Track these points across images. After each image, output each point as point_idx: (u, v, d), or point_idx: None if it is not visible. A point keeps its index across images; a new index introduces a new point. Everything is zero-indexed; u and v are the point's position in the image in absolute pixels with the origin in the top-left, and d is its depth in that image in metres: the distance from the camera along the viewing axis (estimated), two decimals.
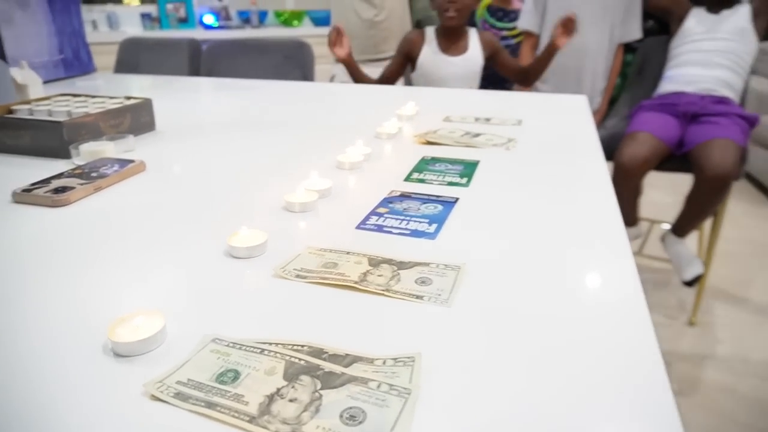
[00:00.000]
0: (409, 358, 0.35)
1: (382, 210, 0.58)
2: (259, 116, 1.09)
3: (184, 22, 4.01)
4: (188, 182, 0.70)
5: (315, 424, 0.29)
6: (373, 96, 1.34)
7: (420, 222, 0.55)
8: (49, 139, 0.77)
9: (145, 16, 3.92)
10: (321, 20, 4.12)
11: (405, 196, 0.62)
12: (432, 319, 0.40)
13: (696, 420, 1.43)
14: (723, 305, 1.97)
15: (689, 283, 1.80)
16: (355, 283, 0.43)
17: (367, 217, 0.57)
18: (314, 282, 0.44)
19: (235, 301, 0.42)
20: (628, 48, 2.03)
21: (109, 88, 1.47)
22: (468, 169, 0.72)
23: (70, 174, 0.67)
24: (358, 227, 0.55)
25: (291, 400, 0.31)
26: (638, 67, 2.09)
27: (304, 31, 3.98)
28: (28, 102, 0.92)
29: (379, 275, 0.45)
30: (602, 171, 0.70)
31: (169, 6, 3.99)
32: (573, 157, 0.79)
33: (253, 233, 0.50)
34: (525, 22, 2.00)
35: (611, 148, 1.84)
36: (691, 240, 1.94)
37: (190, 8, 4.03)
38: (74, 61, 1.68)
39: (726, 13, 1.83)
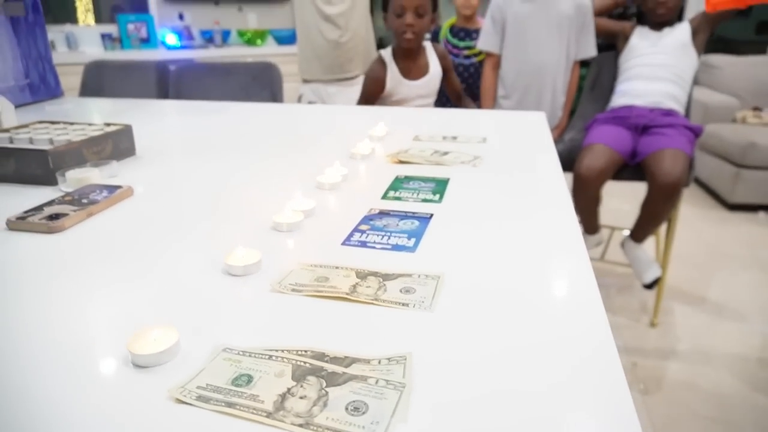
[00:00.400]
0: (401, 357, 0.40)
1: (364, 227, 0.63)
2: (234, 139, 1.13)
3: (146, 42, 3.99)
4: (175, 205, 0.74)
5: (325, 416, 0.34)
6: (344, 117, 1.40)
7: (400, 237, 0.60)
8: (34, 166, 0.79)
9: (106, 37, 3.89)
10: (284, 39, 4.18)
11: (384, 214, 0.68)
12: (418, 323, 0.45)
13: (660, 414, 1.51)
14: (681, 305, 2.09)
15: (649, 286, 1.90)
16: (347, 294, 0.48)
17: (351, 234, 0.61)
18: (309, 295, 0.49)
19: (238, 315, 0.46)
20: (582, 63, 2.15)
21: (81, 112, 1.48)
22: (439, 186, 0.77)
23: (61, 201, 0.70)
24: (343, 243, 0.59)
25: (301, 397, 0.36)
26: (591, 82, 2.22)
27: (268, 50, 4.02)
28: (6, 130, 0.94)
29: (367, 286, 0.50)
30: (560, 183, 0.77)
31: (131, 26, 3.97)
32: (534, 172, 0.85)
33: (248, 252, 0.54)
34: (484, 43, 2.10)
35: (570, 160, 1.94)
36: (649, 244, 2.06)
37: (152, 28, 4.02)
38: (41, 85, 1.68)
39: (667, 31, 1.97)
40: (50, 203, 0.69)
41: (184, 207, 0.73)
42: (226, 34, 4.19)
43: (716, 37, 3.87)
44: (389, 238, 0.60)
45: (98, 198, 0.71)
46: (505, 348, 0.41)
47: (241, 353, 0.40)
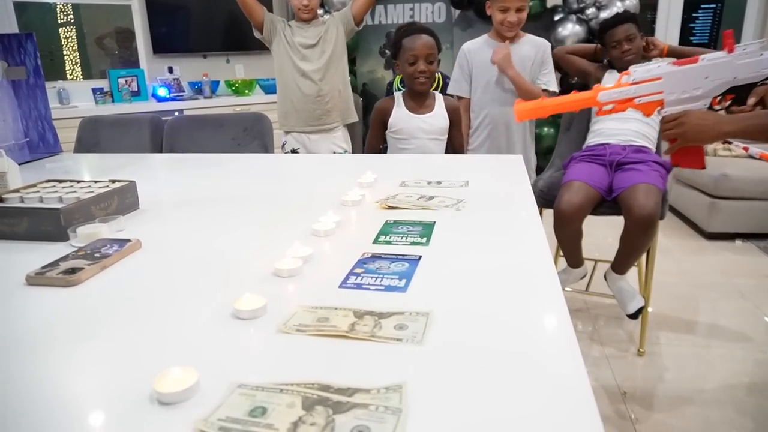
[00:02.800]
0: (397, 386, 0.45)
1: (358, 270, 0.69)
2: (231, 191, 1.19)
3: (137, 95, 4.10)
4: (182, 257, 0.79)
5: None
6: (333, 166, 1.47)
7: (391, 278, 0.66)
8: (47, 224, 0.85)
9: (97, 91, 3.98)
10: (271, 88, 4.31)
11: (376, 257, 0.74)
12: (410, 356, 0.50)
13: None
14: (667, 334, 2.14)
15: (633, 316, 1.96)
16: (346, 332, 0.54)
17: (347, 277, 0.67)
18: (312, 334, 0.54)
19: (249, 354, 0.52)
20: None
21: (80, 169, 1.54)
22: (426, 229, 0.84)
23: (75, 256, 0.75)
24: (340, 286, 0.65)
25: (311, 424, 0.41)
26: (567, 123, 2.34)
27: (256, 99, 4.15)
28: (16, 190, 1.00)
29: (364, 325, 0.55)
30: (536, 222, 0.84)
31: (121, 80, 4.08)
32: (511, 213, 0.93)
33: (254, 297, 0.59)
34: (455, 88, 2.24)
35: (550, 197, 2.03)
36: (632, 275, 2.12)
37: (143, 81, 4.14)
38: (40, 143, 1.74)
39: None
40: (65, 258, 0.75)
41: (189, 258, 0.79)
42: (215, 85, 4.32)
43: None
44: (382, 280, 0.66)
45: (110, 252, 0.76)
46: (486, 378, 0.47)
47: (254, 388, 0.46)
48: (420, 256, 0.73)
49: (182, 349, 0.53)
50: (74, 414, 0.44)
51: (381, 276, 0.67)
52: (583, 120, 2.28)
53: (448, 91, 2.28)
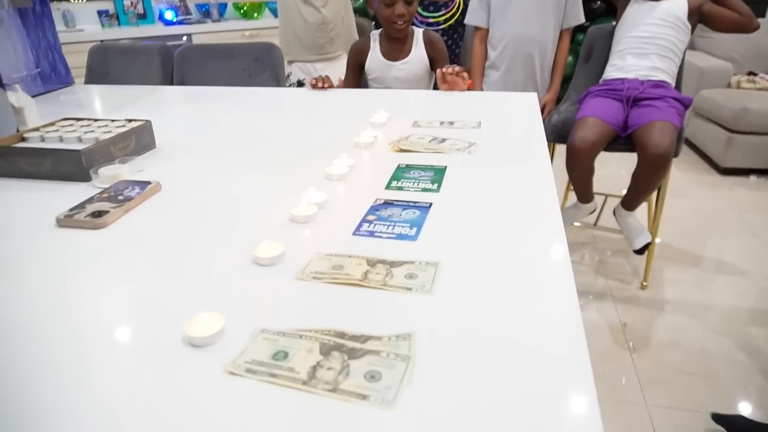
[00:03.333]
0: (407, 334, 0.49)
1: (371, 217, 0.72)
2: (244, 127, 1.20)
3: (143, 18, 3.99)
4: (200, 199, 0.82)
5: (348, 383, 0.43)
6: (345, 101, 1.46)
7: (403, 226, 0.69)
8: (69, 165, 0.87)
9: (103, 13, 3.88)
10: None
11: (388, 203, 0.76)
12: (420, 305, 0.54)
13: (646, 372, 1.63)
14: (671, 269, 2.19)
15: (639, 251, 2.00)
16: (359, 281, 0.57)
17: (360, 224, 0.70)
18: (328, 282, 0.58)
19: (269, 300, 0.55)
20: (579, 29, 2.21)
21: (94, 103, 1.54)
22: (437, 175, 0.86)
23: (100, 198, 0.78)
24: (354, 233, 0.68)
25: (329, 369, 0.45)
26: (586, 53, 2.26)
27: (266, 22, 4.02)
28: (36, 129, 1.01)
29: (376, 273, 0.59)
30: (547, 171, 0.85)
31: (127, 2, 3.96)
32: (524, 160, 0.93)
33: (273, 244, 0.63)
34: (472, 18, 2.17)
35: (564, 132, 2.01)
36: (642, 210, 2.14)
37: (149, 4, 4.01)
38: (51, 74, 1.74)
39: (664, 2, 2.00)
40: (90, 200, 0.78)
41: (208, 200, 0.82)
42: (222, 8, 4.17)
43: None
44: (394, 228, 0.69)
45: (132, 195, 0.79)
46: (489, 328, 0.50)
47: (276, 333, 0.50)
48: (431, 204, 0.75)
49: (207, 295, 0.57)
50: (110, 354, 0.49)
51: (393, 224, 0.70)
52: (602, 51, 2.20)
53: (465, 21, 2.21)
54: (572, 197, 2.17)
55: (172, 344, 0.49)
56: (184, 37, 3.73)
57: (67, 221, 0.73)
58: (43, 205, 0.80)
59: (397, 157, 0.95)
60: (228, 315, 0.52)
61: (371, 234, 0.68)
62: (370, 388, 0.43)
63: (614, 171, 2.62)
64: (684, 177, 3.06)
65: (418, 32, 1.73)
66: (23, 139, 0.98)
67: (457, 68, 1.48)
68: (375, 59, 1.75)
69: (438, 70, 1.51)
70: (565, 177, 2.05)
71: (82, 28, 3.78)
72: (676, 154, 1.86)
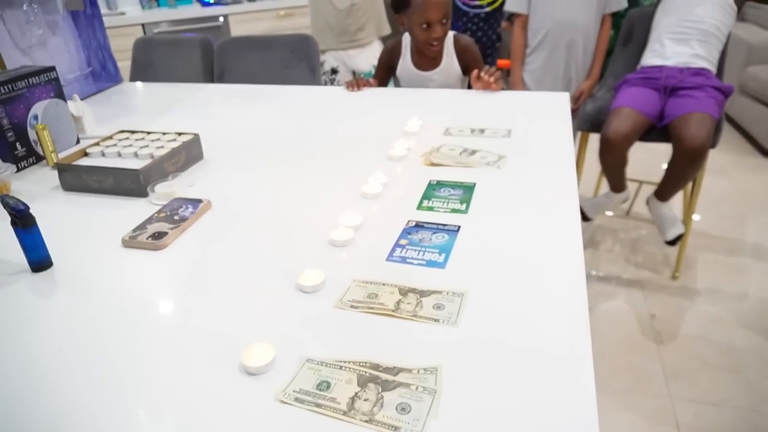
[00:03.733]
0: (434, 368, 0.56)
1: (403, 241, 0.78)
2: (282, 134, 1.28)
3: None
4: (246, 218, 0.90)
5: (382, 414, 0.50)
6: (380, 103, 1.50)
7: (432, 252, 0.75)
8: (129, 182, 0.96)
9: None
10: None
11: (419, 226, 0.82)
12: (446, 337, 0.60)
13: (672, 363, 1.67)
14: (705, 256, 2.18)
15: (671, 243, 2.00)
16: (392, 311, 0.64)
17: (393, 249, 0.77)
18: (364, 311, 0.65)
19: (312, 329, 0.63)
20: (616, 15, 2.17)
21: (141, 104, 1.63)
22: (466, 193, 0.91)
23: (158, 218, 0.87)
24: (387, 259, 0.75)
25: (365, 400, 0.52)
26: (624, 38, 2.22)
27: (300, 1, 4.04)
28: (96, 143, 1.11)
29: (407, 303, 0.65)
30: (572, 194, 0.89)
31: None
32: (550, 180, 0.97)
33: (315, 273, 0.70)
34: (513, 4, 2.15)
35: (598, 121, 2.01)
36: (677, 198, 2.12)
37: None
38: (102, 72, 1.83)
39: None
40: (150, 220, 0.86)
41: (253, 219, 0.89)
42: None
43: None
44: (424, 254, 0.75)
45: (186, 215, 0.87)
46: (510, 361, 0.56)
47: (320, 363, 0.57)
48: (459, 227, 0.81)
49: (257, 321, 0.65)
50: (172, 374, 0.57)
51: (423, 250, 0.76)
52: (642, 35, 2.15)
53: (506, 8, 2.19)
54: (605, 186, 2.17)
55: (229, 371, 0.57)
56: (221, 18, 3.80)
57: (131, 242, 0.81)
58: (108, 222, 0.90)
59: (428, 172, 1.00)
60: (276, 342, 0.59)
61: (403, 260, 0.74)
62: (401, 420, 0.50)
63: (650, 157, 2.58)
64: (725, 158, 2.99)
65: (449, 40, 1.65)
66: (86, 154, 1.08)
67: (492, 72, 1.47)
68: (406, 68, 1.71)
69: (474, 71, 1.52)
70: (598, 166, 2.05)
71: (123, 11, 3.88)
72: (713, 145, 1.84)
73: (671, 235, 1.98)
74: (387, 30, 2.42)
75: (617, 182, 2.06)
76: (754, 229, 2.38)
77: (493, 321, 0.62)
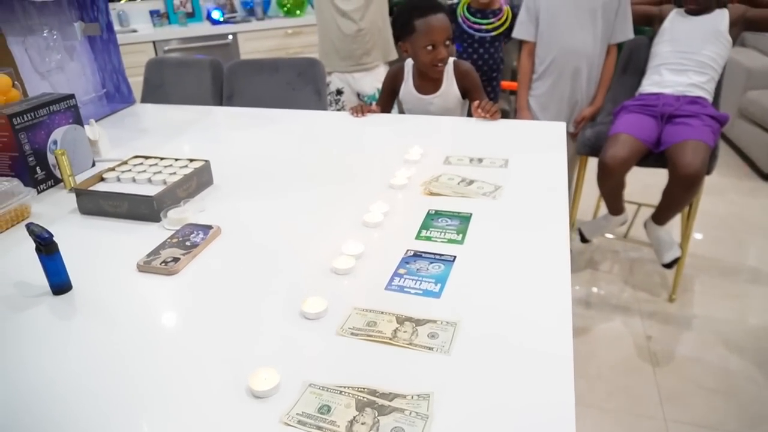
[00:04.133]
0: (426, 394, 0.60)
1: (401, 271, 0.83)
2: (288, 159, 1.33)
3: (192, 16, 4.17)
4: (253, 245, 0.95)
5: None
6: (382, 130, 1.56)
7: (428, 282, 0.80)
8: (143, 207, 1.01)
9: (154, 13, 4.07)
10: None
11: (417, 255, 0.87)
12: (438, 365, 0.65)
13: (667, 385, 1.70)
14: (702, 278, 2.22)
15: (668, 266, 2.04)
16: (389, 339, 0.68)
17: (392, 278, 0.81)
18: (363, 339, 0.69)
19: (314, 354, 0.67)
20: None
21: (153, 126, 1.70)
22: (463, 224, 0.96)
23: (171, 244, 0.92)
24: (386, 288, 0.79)
25: (362, 424, 0.57)
26: (623, 65, 2.28)
27: (308, 19, 4.14)
28: (112, 169, 1.16)
29: (404, 331, 0.70)
30: (562, 228, 0.93)
31: (176, 2, 4.14)
32: (541, 210, 1.01)
33: (318, 300, 0.75)
34: (520, 32, 2.21)
35: (597, 146, 2.06)
36: (674, 221, 2.15)
37: (197, 2, 4.19)
38: (116, 94, 1.90)
39: (704, 17, 1.99)
40: (163, 246, 0.92)
41: (260, 246, 0.94)
42: (266, 4, 4.30)
43: None
44: (421, 283, 0.79)
45: (197, 240, 0.93)
46: (503, 389, 0.61)
47: (321, 388, 0.62)
48: (455, 257, 0.86)
49: (263, 346, 0.69)
50: (182, 396, 0.62)
51: (420, 279, 0.80)
52: (640, 64, 2.21)
53: (514, 35, 2.26)
54: (604, 208, 2.22)
55: (237, 394, 0.62)
56: (230, 36, 3.89)
57: (145, 267, 0.86)
58: (123, 246, 0.95)
59: (427, 201, 1.05)
60: (281, 367, 0.64)
61: (401, 289, 0.79)
62: None
63: (649, 180, 2.62)
64: (724, 181, 3.03)
65: (449, 66, 1.71)
66: (102, 179, 1.13)
67: (489, 109, 1.53)
68: (408, 92, 1.77)
69: (474, 103, 1.58)
70: (597, 189, 2.10)
71: (135, 28, 3.98)
72: (708, 172, 1.89)
73: (668, 258, 2.02)
74: (394, 55, 2.49)
75: (615, 206, 2.11)
76: (752, 252, 2.41)
77: (485, 350, 0.67)
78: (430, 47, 1.61)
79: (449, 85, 1.73)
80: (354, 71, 2.41)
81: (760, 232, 2.55)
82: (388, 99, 1.85)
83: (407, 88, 1.77)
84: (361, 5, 2.28)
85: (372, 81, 2.43)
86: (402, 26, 1.67)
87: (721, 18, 1.98)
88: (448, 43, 1.63)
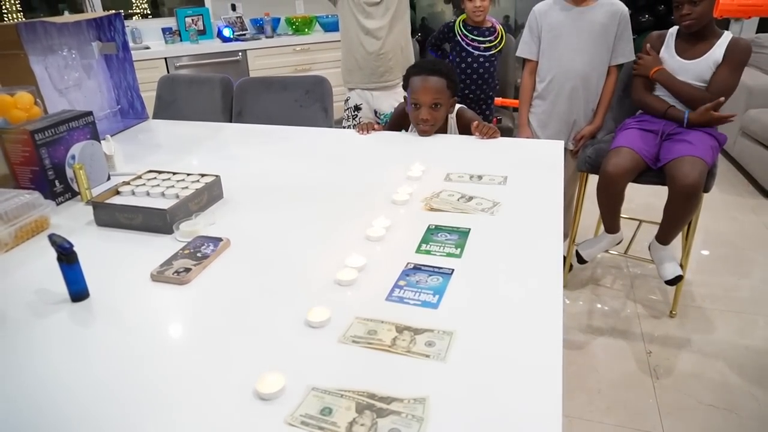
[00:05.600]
0: (422, 398, 0.64)
1: (402, 282, 0.87)
2: (295, 175, 1.38)
3: (203, 34, 4.27)
4: (261, 257, 0.99)
5: None
6: (386, 148, 1.61)
7: (427, 294, 0.84)
8: (157, 220, 1.06)
9: (166, 31, 4.17)
10: (330, 26, 4.37)
11: (417, 268, 0.91)
12: (434, 371, 0.68)
13: (666, 400, 1.72)
14: (702, 294, 2.24)
15: (670, 282, 2.06)
16: (389, 347, 0.72)
17: (393, 290, 0.85)
18: (364, 346, 0.73)
19: (318, 360, 0.71)
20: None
21: (165, 142, 1.76)
22: (461, 238, 1.00)
23: (183, 255, 0.97)
24: (387, 299, 0.84)
25: (361, 425, 0.60)
26: (624, 87, 2.33)
27: (316, 37, 4.23)
28: (127, 183, 1.22)
29: (402, 339, 0.74)
30: (556, 242, 0.98)
31: (188, 20, 4.25)
32: (537, 228, 1.06)
33: (322, 310, 0.79)
34: (523, 51, 2.28)
35: (597, 163, 2.10)
36: (677, 240, 2.17)
37: (208, 20, 4.30)
38: (129, 110, 1.97)
39: (694, 63, 2.00)
40: (175, 257, 0.96)
41: (268, 258, 0.99)
42: (275, 22, 4.40)
43: None
44: (420, 295, 0.84)
45: (208, 252, 0.97)
46: (496, 397, 0.65)
47: (323, 391, 0.66)
48: (453, 270, 0.90)
49: (270, 352, 0.74)
50: (192, 398, 0.66)
51: (419, 291, 0.85)
52: None
53: (517, 54, 2.33)
54: (602, 231, 2.25)
55: (244, 397, 0.66)
56: (240, 53, 3.98)
57: (159, 276, 0.91)
58: (137, 256, 1.00)
59: (428, 217, 1.10)
60: (286, 372, 0.68)
61: (401, 300, 0.83)
62: None
63: (650, 200, 2.66)
64: (726, 198, 3.06)
65: (451, 119, 1.75)
66: (118, 193, 1.19)
67: (486, 131, 1.58)
68: (413, 132, 1.79)
69: (473, 124, 1.63)
70: (595, 210, 2.13)
71: (147, 45, 4.08)
72: (706, 190, 1.92)
73: (670, 275, 2.04)
74: None
75: (612, 222, 2.14)
76: (753, 269, 2.43)
77: (478, 358, 0.70)
78: (416, 105, 1.66)
79: (452, 132, 1.79)
80: (374, 89, 2.48)
81: (762, 249, 2.57)
82: (396, 128, 1.90)
83: (413, 128, 1.81)
84: (385, 24, 2.35)
85: (390, 100, 2.50)
86: (405, 79, 1.74)
87: (718, 49, 1.97)
88: (436, 106, 1.65)
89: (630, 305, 2.21)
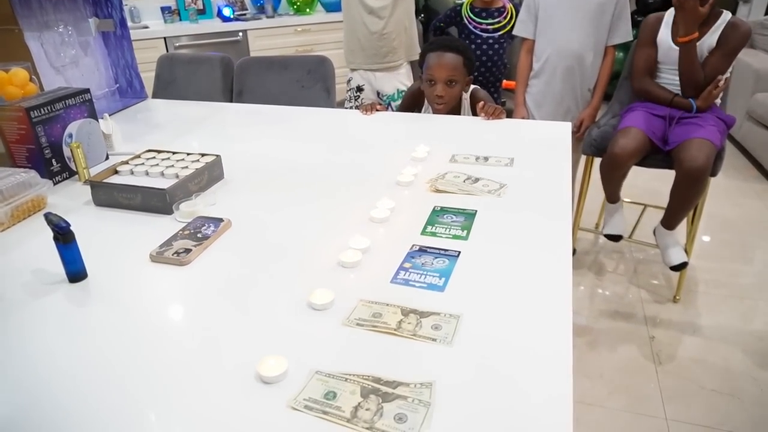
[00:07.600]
0: (429, 383, 0.62)
1: (407, 265, 0.85)
2: (298, 155, 1.35)
3: (202, 13, 4.20)
4: (263, 238, 0.97)
5: (381, 423, 0.57)
6: (390, 128, 1.58)
7: (433, 276, 0.82)
8: (156, 200, 1.04)
9: (165, 10, 4.10)
10: (331, 6, 4.30)
11: (422, 250, 0.89)
12: (441, 355, 0.67)
13: (669, 385, 1.71)
14: (706, 279, 2.22)
15: (675, 268, 2.04)
16: (394, 330, 0.71)
17: (398, 272, 0.83)
18: (368, 329, 0.71)
19: (322, 343, 0.70)
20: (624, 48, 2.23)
21: (165, 121, 1.72)
22: (468, 220, 0.98)
23: (183, 236, 0.94)
24: (392, 281, 0.81)
25: (367, 409, 0.59)
26: (629, 69, 2.28)
27: (317, 18, 4.16)
28: (126, 162, 1.19)
29: (408, 323, 0.72)
30: (564, 225, 0.95)
31: None
32: (545, 208, 1.03)
33: (325, 292, 0.77)
34: (520, 29, 2.24)
35: (603, 146, 2.07)
36: (682, 225, 2.15)
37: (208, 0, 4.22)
38: (128, 89, 1.93)
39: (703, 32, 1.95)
40: (175, 237, 0.94)
41: (270, 239, 0.97)
42: (276, 2, 4.33)
43: None
44: (425, 277, 0.82)
45: (208, 233, 0.95)
46: (503, 381, 0.63)
47: (327, 375, 0.64)
48: (459, 253, 0.88)
49: (272, 335, 0.72)
50: (193, 381, 0.64)
51: (425, 273, 0.83)
52: None
53: (514, 32, 2.28)
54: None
55: (246, 380, 0.64)
56: (240, 33, 3.92)
57: (158, 257, 0.89)
58: (136, 237, 0.98)
59: (433, 198, 1.07)
60: (289, 355, 0.66)
61: (406, 282, 0.81)
62: (398, 429, 0.56)
63: (655, 183, 2.62)
64: (731, 183, 3.03)
65: (465, 100, 1.73)
66: (116, 172, 1.16)
67: (491, 112, 1.55)
68: (426, 112, 1.80)
69: (478, 105, 1.60)
70: (600, 196, 2.10)
71: (146, 24, 4.02)
72: (713, 174, 1.89)
73: (674, 261, 2.02)
74: (416, 55, 2.51)
75: (614, 194, 2.13)
76: (757, 254, 2.42)
77: (485, 342, 0.69)
78: (431, 81, 1.66)
79: (467, 113, 1.77)
80: (377, 70, 2.43)
81: (766, 234, 2.55)
82: (408, 109, 1.87)
83: (426, 108, 1.80)
84: (388, 3, 2.29)
85: (393, 81, 2.45)
86: (421, 56, 1.75)
87: (709, 44, 1.93)
88: (452, 83, 1.65)
89: (633, 290, 2.20)
